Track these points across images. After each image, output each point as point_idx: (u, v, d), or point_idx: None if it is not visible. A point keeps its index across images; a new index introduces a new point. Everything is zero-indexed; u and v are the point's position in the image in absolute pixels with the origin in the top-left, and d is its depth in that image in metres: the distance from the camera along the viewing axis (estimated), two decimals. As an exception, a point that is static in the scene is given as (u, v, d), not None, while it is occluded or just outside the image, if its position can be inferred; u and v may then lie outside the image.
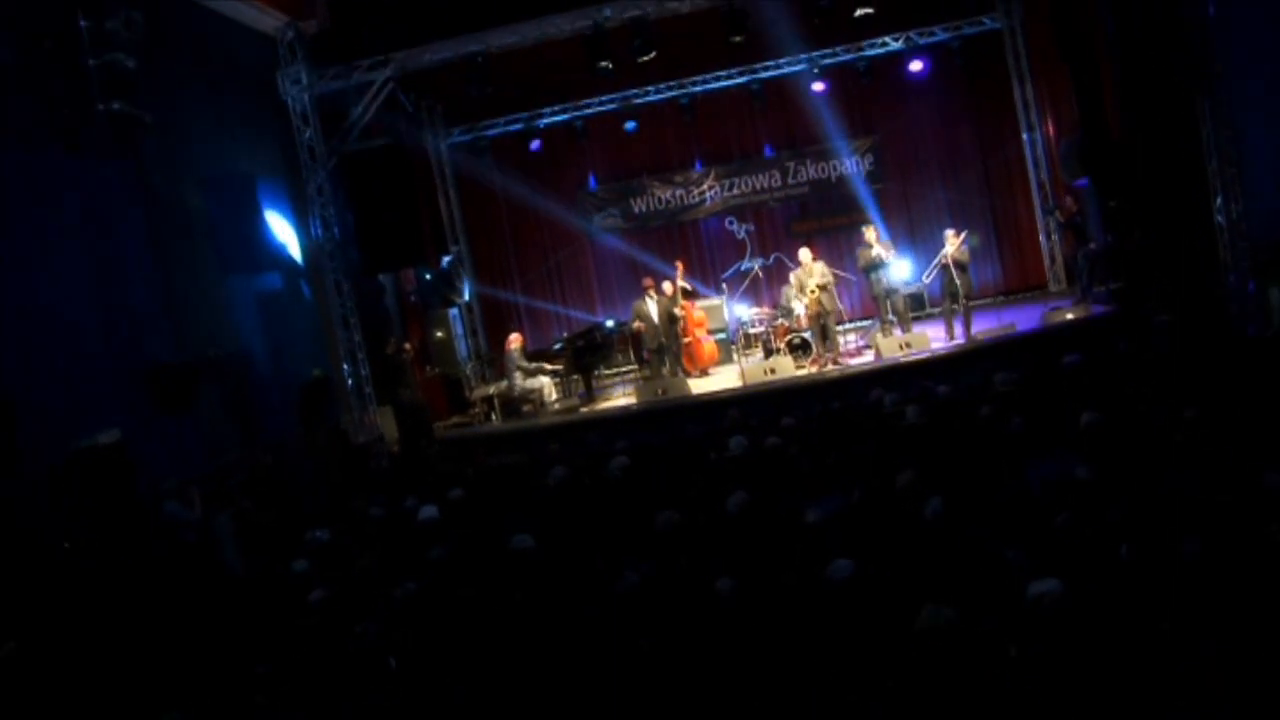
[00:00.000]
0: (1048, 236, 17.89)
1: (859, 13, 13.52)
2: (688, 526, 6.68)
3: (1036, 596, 4.21)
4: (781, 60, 17.76)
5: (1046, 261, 18.02)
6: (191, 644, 6.96)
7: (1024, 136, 17.84)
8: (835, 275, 14.40)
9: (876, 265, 14.02)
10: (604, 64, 13.67)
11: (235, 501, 10.65)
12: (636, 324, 15.23)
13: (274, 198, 13.77)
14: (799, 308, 14.73)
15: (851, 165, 18.33)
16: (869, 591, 4.77)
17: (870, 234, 14.26)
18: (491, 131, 18.41)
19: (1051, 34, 16.74)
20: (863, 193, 18.37)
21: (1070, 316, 13.49)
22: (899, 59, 17.66)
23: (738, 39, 13.81)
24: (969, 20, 17.58)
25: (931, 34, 17.54)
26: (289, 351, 13.83)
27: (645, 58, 13.51)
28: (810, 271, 13.87)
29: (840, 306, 14.21)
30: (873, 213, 17.92)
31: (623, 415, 13.54)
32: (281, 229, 13.93)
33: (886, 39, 17.54)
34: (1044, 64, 17.28)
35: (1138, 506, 5.66)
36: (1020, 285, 18.10)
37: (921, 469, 6.88)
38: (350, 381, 13.63)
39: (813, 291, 13.67)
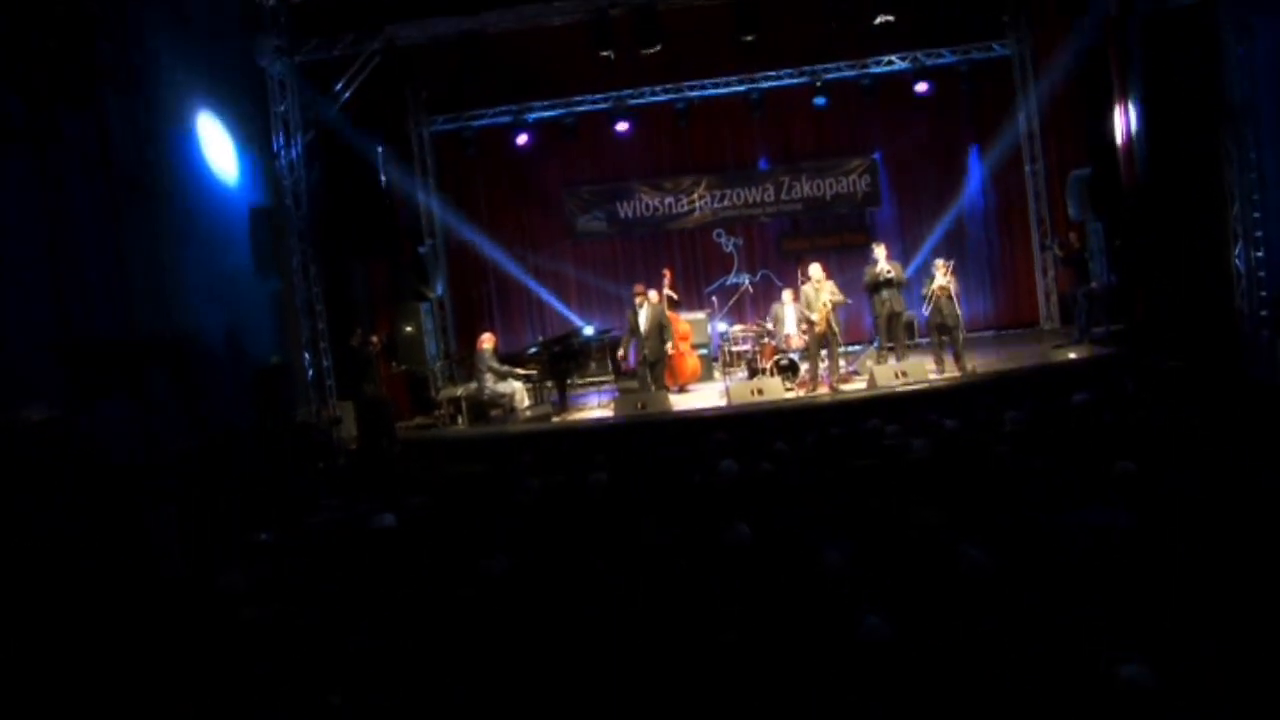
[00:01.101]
0: (1044, 272, 17.35)
1: (879, 20, 12.87)
2: (683, 559, 5.93)
3: (1126, 681, 3.49)
4: (784, 71, 17.17)
5: (1041, 298, 17.49)
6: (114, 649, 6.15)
7: (1026, 168, 17.33)
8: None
9: (885, 285, 13.35)
10: (606, 53, 12.95)
11: (177, 495, 9.82)
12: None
13: (244, 171, 12.91)
14: (790, 327, 14.05)
15: (847, 185, 17.72)
16: (911, 658, 4.04)
17: (880, 251, 13.61)
18: (478, 122, 17.64)
19: (1062, 65, 16.33)
20: (857, 214, 17.79)
21: (1073, 356, 12.92)
22: (904, 79, 17.09)
23: (748, 38, 13.12)
24: (978, 45, 17.08)
25: (939, 56, 17.00)
26: (247, 335, 12.94)
27: (650, 50, 12.81)
28: (821, 288, 13.20)
29: (837, 330, 13.52)
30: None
31: (599, 427, 12.78)
32: (246, 204, 13.07)
33: (893, 57, 16.99)
34: (1051, 95, 16.79)
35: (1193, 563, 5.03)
36: (1012, 321, 17.54)
37: (945, 509, 6.18)
38: (310, 372, 12.75)
39: (824, 306, 12.97)
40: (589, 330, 16.26)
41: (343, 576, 6.81)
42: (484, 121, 17.65)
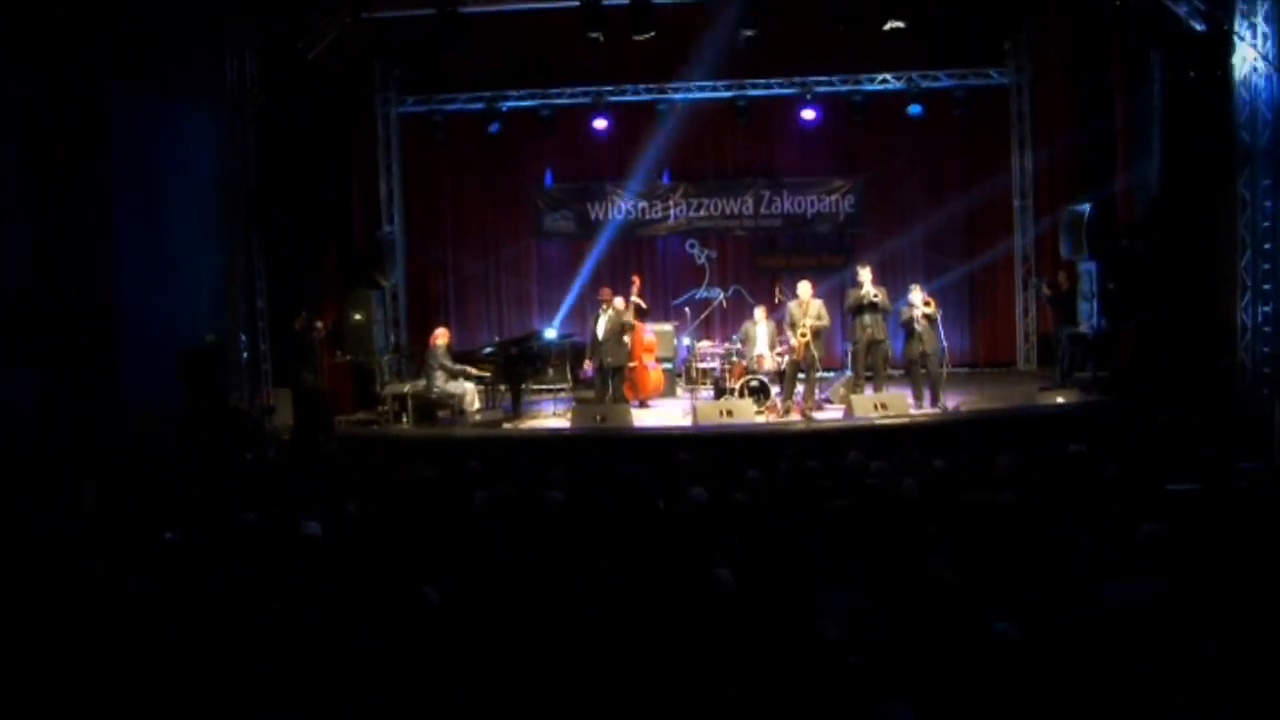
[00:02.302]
0: (1024, 311, 16.71)
1: (889, 25, 12.14)
2: (656, 606, 5.08)
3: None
4: (774, 80, 16.41)
5: (1019, 337, 16.83)
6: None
7: (1015, 202, 16.69)
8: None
9: (868, 309, 12.61)
10: (595, 34, 12.11)
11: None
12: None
13: (195, 135, 11.92)
14: (762, 347, 13.26)
15: (830, 204, 16.99)
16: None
17: (866, 274, 12.88)
18: (450, 106, 16.72)
19: (1060, 99, 15.78)
20: (837, 235, 17.08)
21: (1060, 400, 12.22)
22: (897, 99, 16.43)
23: (749, 33, 12.34)
24: (976, 71, 16.45)
25: (935, 79, 16.36)
26: (184, 311, 11.97)
27: (642, 35, 11.99)
28: (807, 308, 12.46)
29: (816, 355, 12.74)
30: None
31: (554, 438, 11.90)
32: (194, 170, 12.08)
33: (887, 76, 16.32)
34: (1047, 129, 16.22)
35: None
36: (987, 359, 16.88)
37: (956, 565, 5.39)
38: (246, 354, 11.74)
39: (803, 335, 12.23)
40: (551, 333, 15.38)
41: (249, 591, 5.90)
42: (456, 106, 16.74)
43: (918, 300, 12.52)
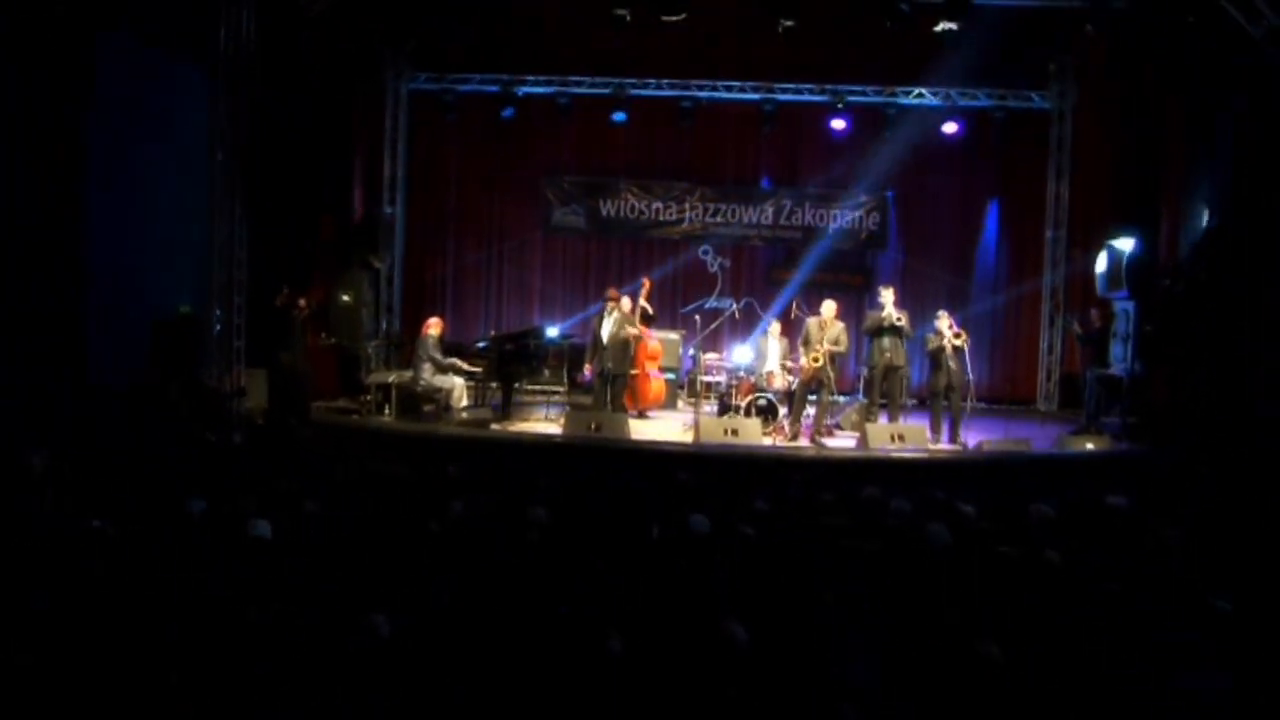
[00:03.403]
0: (1049, 349, 15.87)
1: (941, 26, 11.30)
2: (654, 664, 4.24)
3: None
4: (804, 86, 15.58)
5: (1041, 375, 16.00)
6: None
7: (1047, 233, 15.84)
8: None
9: (889, 332, 11.80)
10: (621, 11, 11.33)
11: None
12: None
13: (182, 90, 11.09)
14: (773, 363, 12.43)
15: (853, 220, 16.18)
16: None
17: (889, 296, 12.06)
18: (463, 86, 15.88)
19: (1103, 129, 14.97)
20: (858, 253, 16.26)
21: (1090, 447, 11.36)
22: (931, 116, 15.64)
23: (788, 24, 11.52)
24: (1016, 92, 15.64)
25: (974, 97, 15.56)
26: (158, 279, 11.15)
27: (673, 17, 11.18)
28: (827, 328, 11.67)
29: (831, 378, 11.92)
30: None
31: (543, 445, 11.03)
32: (180, 129, 11.25)
33: (924, 90, 15.50)
34: (1087, 159, 15.46)
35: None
36: (1006, 395, 15.91)
37: (999, 637, 4.56)
38: (219, 328, 10.88)
39: (815, 359, 11.42)
40: (552, 331, 14.52)
41: (166, 596, 5.07)
42: (469, 87, 15.91)
43: (945, 329, 11.73)
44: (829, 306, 12.02)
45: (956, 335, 11.78)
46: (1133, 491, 8.93)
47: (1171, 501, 8.65)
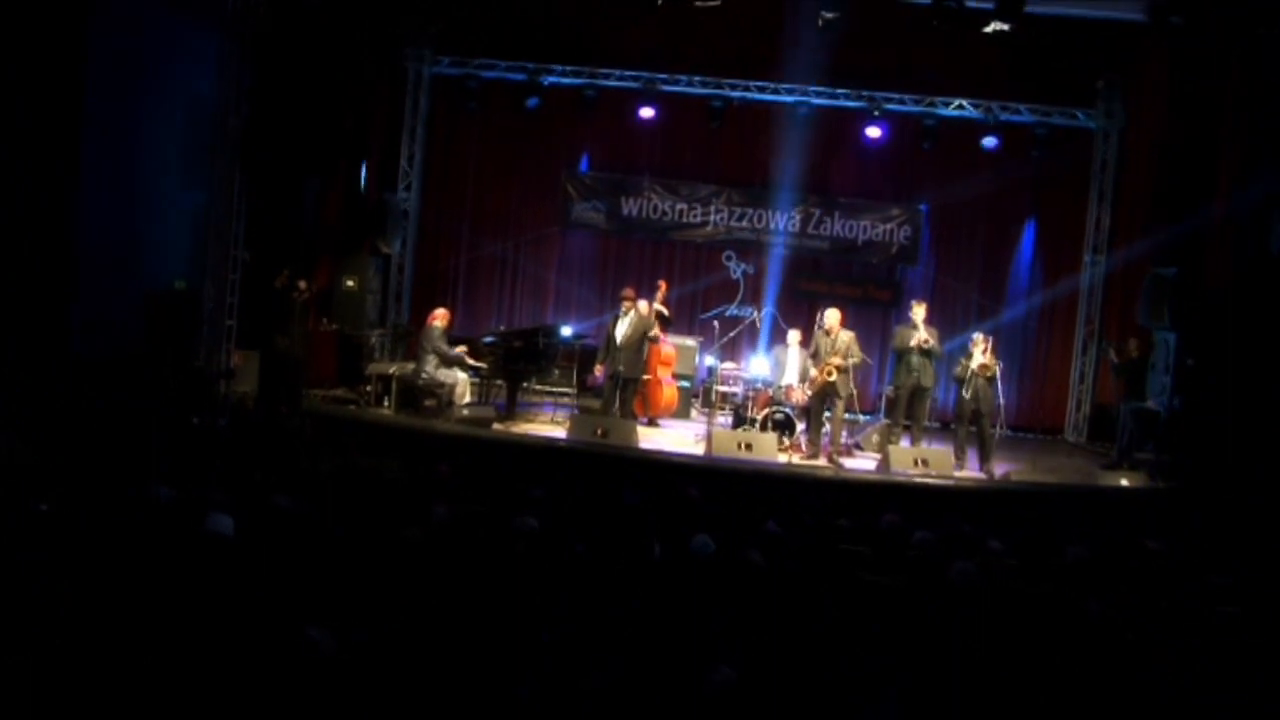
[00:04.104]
0: (1080, 378, 15.19)
1: (991, 27, 10.67)
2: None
3: None
4: (840, 90, 14.96)
5: (1070, 404, 15.30)
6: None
7: (1085, 257, 15.16)
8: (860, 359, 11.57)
9: (918, 351, 11.20)
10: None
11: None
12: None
13: (186, 52, 10.57)
14: (791, 375, 11.83)
15: (883, 233, 15.55)
16: None
17: (920, 312, 11.49)
18: (487, 73, 15.31)
19: (1151, 152, 14.26)
20: (887, 268, 15.64)
21: (1125, 483, 10.72)
22: (971, 129, 14.99)
23: (829, 15, 10.91)
24: (1062, 109, 14.98)
25: (1016, 111, 14.90)
26: (153, 251, 10.62)
27: (708, 2, 10.58)
28: (833, 336, 11.06)
29: (853, 391, 11.30)
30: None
31: (545, 448, 10.43)
32: (183, 93, 10.73)
33: (964, 102, 14.87)
34: (1132, 183, 14.73)
35: None
36: (1032, 423, 15.30)
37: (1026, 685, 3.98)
38: (211, 306, 10.34)
39: (827, 371, 10.84)
40: (566, 330, 13.94)
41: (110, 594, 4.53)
42: (494, 74, 15.34)
43: (978, 352, 11.12)
44: (832, 315, 11.39)
45: (984, 368, 11.16)
46: (1171, 534, 8.34)
47: (1214, 547, 8.03)
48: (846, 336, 11.28)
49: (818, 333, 11.43)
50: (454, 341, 12.01)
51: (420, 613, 4.74)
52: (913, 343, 11.32)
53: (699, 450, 11.02)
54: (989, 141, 14.87)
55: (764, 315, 14.74)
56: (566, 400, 13.68)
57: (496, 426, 11.24)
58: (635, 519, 7.35)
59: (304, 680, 3.83)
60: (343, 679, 3.95)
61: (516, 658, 4.46)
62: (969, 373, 11.19)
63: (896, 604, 5.61)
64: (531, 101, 15.09)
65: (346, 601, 4.77)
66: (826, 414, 11.56)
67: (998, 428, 11.53)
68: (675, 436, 12.16)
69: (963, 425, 11.56)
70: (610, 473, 9.49)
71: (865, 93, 14.93)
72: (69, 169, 9.08)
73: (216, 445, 8.76)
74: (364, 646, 4.17)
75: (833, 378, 10.96)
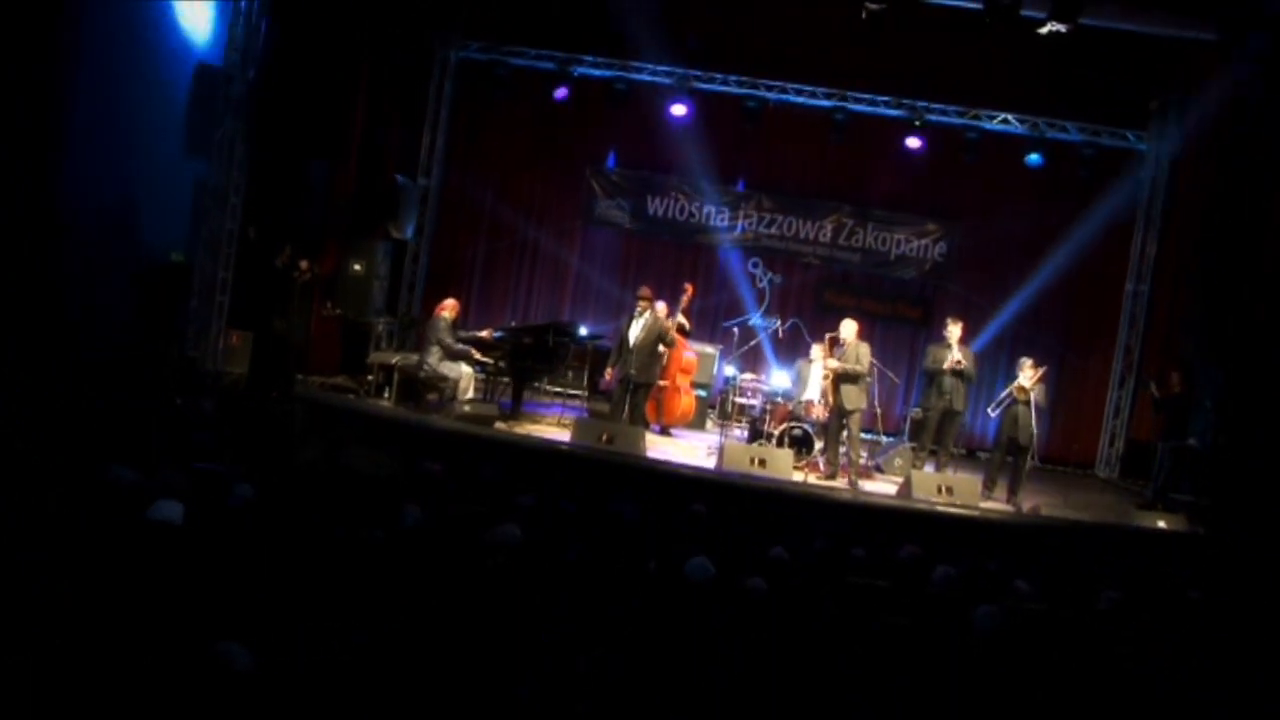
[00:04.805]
0: (1115, 411, 14.48)
1: (1048, 28, 10.05)
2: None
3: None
4: (881, 98, 14.34)
5: (1104, 439, 14.59)
6: None
7: (1127, 287, 14.46)
8: (874, 368, 10.94)
9: (951, 373, 10.59)
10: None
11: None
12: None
13: (191, 10, 10.09)
14: (813, 390, 11.22)
15: (917, 249, 14.92)
16: None
17: (955, 331, 10.88)
18: (516, 60, 14.77)
19: (1205, 180, 13.59)
20: (919, 285, 14.99)
21: (1162, 525, 10.04)
22: (1015, 145, 14.37)
23: (875, 6, 10.32)
24: (1112, 130, 14.30)
25: (1063, 129, 14.27)
26: (153, 223, 10.12)
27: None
28: (845, 348, 10.47)
29: (863, 407, 10.66)
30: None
31: (544, 451, 9.85)
32: (185, 55, 10.23)
33: (1009, 116, 14.22)
34: (1182, 211, 14.05)
35: None
36: (1062, 455, 14.55)
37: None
38: (202, 279, 9.82)
39: (825, 375, 10.27)
40: (584, 331, 13.38)
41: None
42: (522, 62, 14.78)
43: (1027, 379, 10.49)
44: (848, 327, 10.81)
45: (1021, 390, 10.54)
46: (1213, 584, 7.69)
47: (1260, 600, 7.37)
48: (862, 350, 10.66)
49: (839, 345, 10.85)
50: (462, 336, 11.48)
51: (368, 629, 4.19)
52: (946, 364, 10.72)
53: (710, 463, 10.41)
54: (1033, 158, 14.27)
55: (788, 327, 14.11)
56: (578, 403, 13.12)
57: (499, 426, 10.67)
58: (632, 533, 6.79)
59: (212, 694, 3.29)
60: (260, 696, 3.40)
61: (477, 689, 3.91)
62: (1015, 399, 10.58)
63: (909, 645, 5.02)
64: (560, 92, 14.57)
65: (288, 604, 4.23)
66: (844, 432, 10.98)
67: (1032, 458, 10.87)
68: (687, 448, 11.57)
69: (999, 453, 10.96)
70: (610, 481, 8.91)
71: (906, 101, 14.32)
72: (55, 130, 8.56)
73: (196, 428, 8.22)
74: (289, 666, 3.61)
75: (826, 379, 10.37)
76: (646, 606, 5.20)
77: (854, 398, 10.46)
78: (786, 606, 5.30)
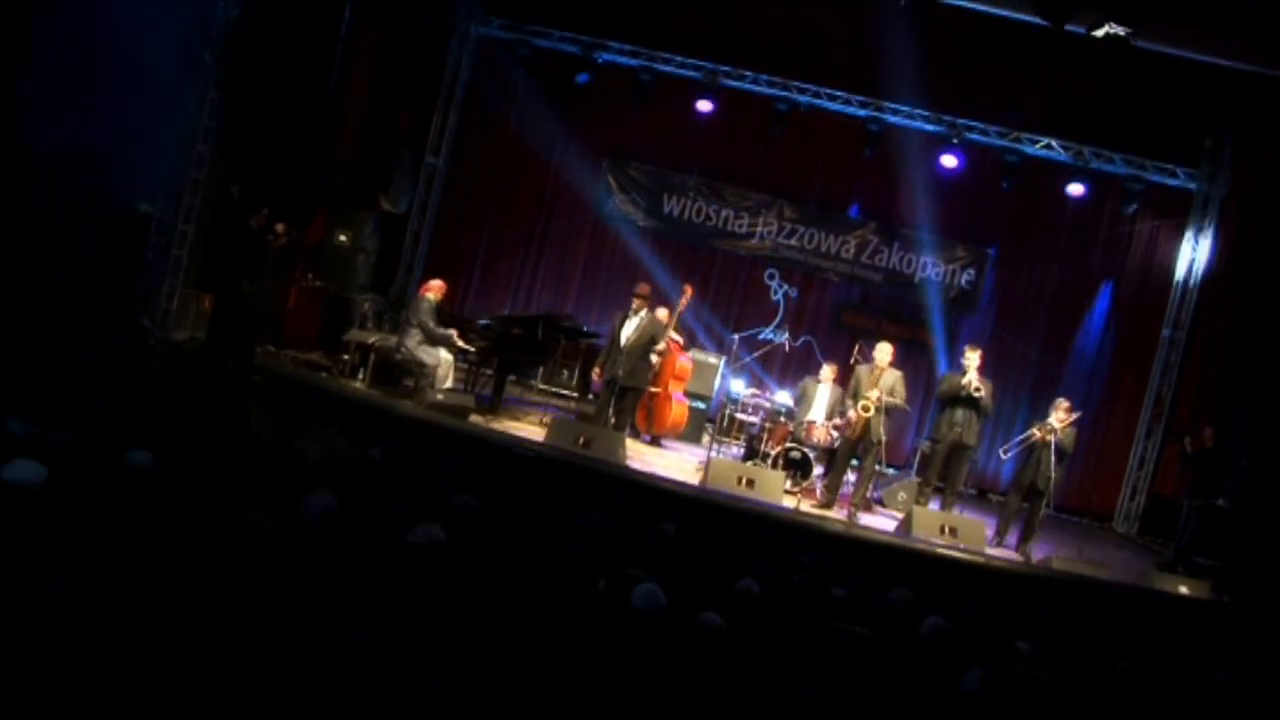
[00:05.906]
0: (1140, 463, 13.59)
1: (1103, 31, 9.26)
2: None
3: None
4: (919, 111, 13.53)
5: (1124, 491, 13.70)
6: None
7: (1164, 332, 13.57)
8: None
9: (964, 403, 9.80)
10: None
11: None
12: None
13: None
14: (817, 412, 10.43)
15: (944, 273, 14.09)
16: None
17: (974, 359, 10.09)
18: (539, 41, 14.06)
19: (1256, 225, 12.81)
20: (942, 311, 14.10)
21: (1184, 591, 9.18)
22: (1056, 172, 13.56)
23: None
24: (1160, 164, 13.44)
25: (1109, 159, 13.43)
26: (125, 171, 9.40)
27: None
28: (878, 378, 9.70)
29: (884, 438, 9.84)
30: (940, 337, 13.80)
31: (512, 449, 9.04)
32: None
33: (1053, 142, 13.41)
34: (1228, 255, 13.22)
35: None
36: (1080, 505, 13.69)
37: None
38: (154, 235, 9.08)
39: (864, 408, 9.47)
40: (584, 328, 12.65)
41: None
42: (545, 43, 14.08)
43: (1058, 422, 9.71)
44: (884, 350, 10.13)
45: (1045, 429, 9.76)
46: (1240, 663, 6.84)
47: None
48: (894, 376, 9.94)
49: (861, 368, 10.07)
50: (448, 320, 10.75)
51: (227, 617, 3.45)
52: (964, 381, 9.91)
53: (694, 479, 9.62)
54: (1075, 189, 13.45)
55: (800, 343, 13.31)
56: (571, 404, 12.37)
57: (474, 419, 9.90)
58: (591, 547, 6.01)
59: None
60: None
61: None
62: (1041, 441, 9.77)
63: (887, 704, 4.23)
64: (582, 77, 13.88)
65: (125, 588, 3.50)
66: (854, 461, 10.20)
67: (1048, 506, 10.06)
68: (675, 460, 10.80)
69: (1015, 498, 10.16)
70: (583, 489, 8.13)
71: (946, 117, 13.52)
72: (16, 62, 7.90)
73: (132, 388, 7.50)
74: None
75: (869, 414, 9.57)
76: (584, 630, 4.45)
77: (878, 428, 9.69)
78: (742, 647, 4.51)
